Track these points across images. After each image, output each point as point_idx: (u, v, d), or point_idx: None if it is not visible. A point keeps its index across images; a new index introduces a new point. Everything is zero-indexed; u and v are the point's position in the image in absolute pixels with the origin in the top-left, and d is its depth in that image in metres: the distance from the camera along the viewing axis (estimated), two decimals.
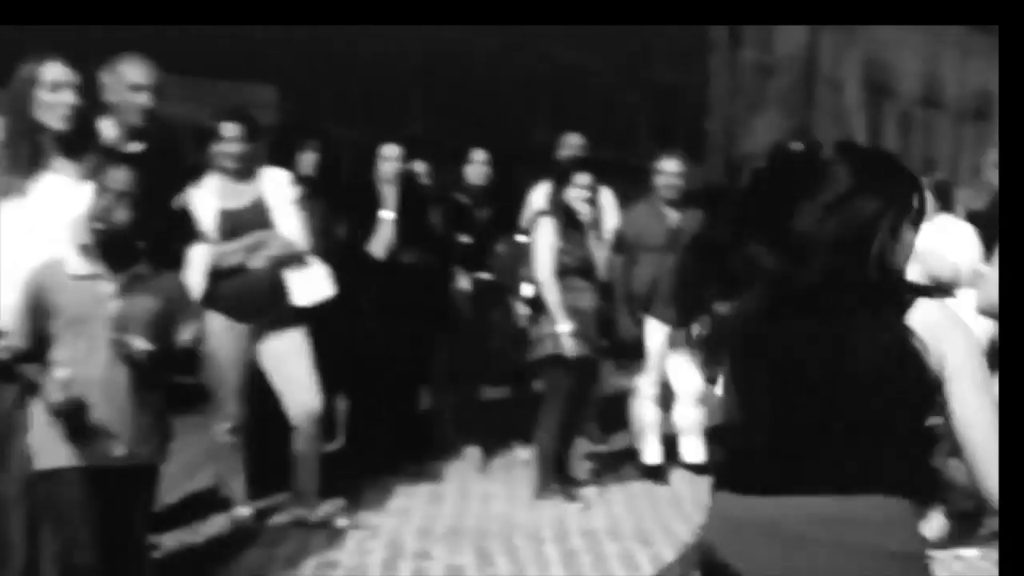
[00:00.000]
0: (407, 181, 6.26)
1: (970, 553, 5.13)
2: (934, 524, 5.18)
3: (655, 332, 6.27)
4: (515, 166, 7.20)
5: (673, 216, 6.33)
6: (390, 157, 6.10)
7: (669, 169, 6.36)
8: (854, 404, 1.94)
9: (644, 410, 6.37)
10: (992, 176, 6.63)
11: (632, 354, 6.42)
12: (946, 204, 5.70)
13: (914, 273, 2.55)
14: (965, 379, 1.88)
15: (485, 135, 7.49)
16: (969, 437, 1.89)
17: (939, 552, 5.05)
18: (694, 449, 6.46)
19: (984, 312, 5.26)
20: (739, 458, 2.13)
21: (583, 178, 5.86)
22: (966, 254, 5.47)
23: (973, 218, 6.95)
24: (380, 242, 6.03)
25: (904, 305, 1.92)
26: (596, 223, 6.03)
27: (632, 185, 6.86)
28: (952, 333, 1.89)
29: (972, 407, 1.88)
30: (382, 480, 5.96)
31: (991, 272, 5.22)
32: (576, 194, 5.83)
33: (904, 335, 1.89)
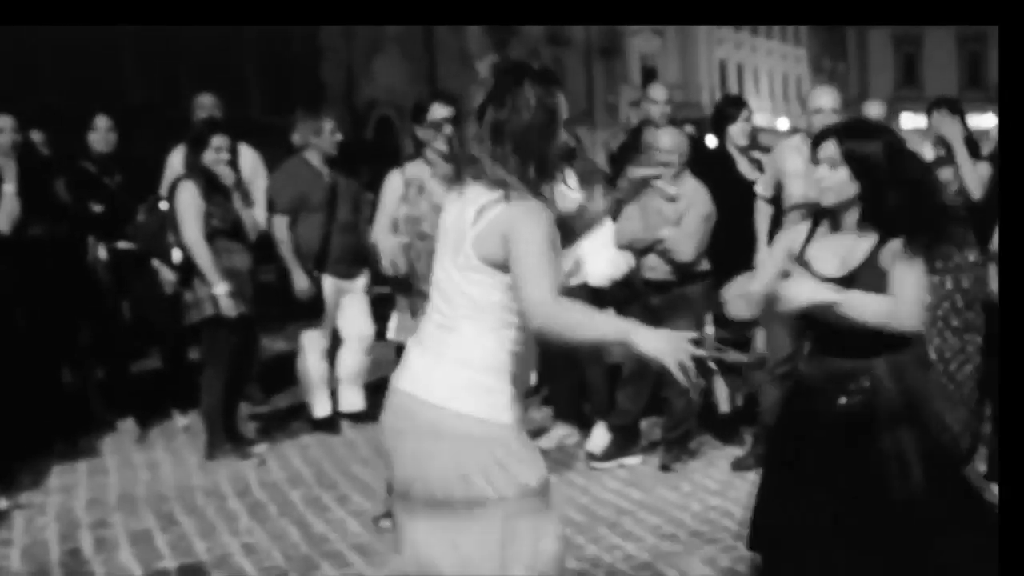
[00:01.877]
0: (25, 152, 6.49)
1: (632, 460, 6.09)
2: (597, 439, 6.13)
3: (328, 287, 6.85)
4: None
5: (328, 173, 6.91)
6: (4, 128, 6.31)
7: (326, 127, 6.93)
8: None
9: (313, 364, 6.93)
10: (631, 115, 7.65)
11: (311, 313, 6.92)
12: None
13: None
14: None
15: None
16: None
17: (605, 463, 6.00)
18: (352, 398, 7.10)
19: (623, 247, 6.23)
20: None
21: (219, 139, 6.30)
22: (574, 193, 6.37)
23: (611, 159, 8.00)
24: (4, 216, 6.23)
25: None
26: (240, 183, 6.48)
27: (250, 143, 7.27)
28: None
29: None
30: (35, 461, 6.17)
31: (630, 210, 6.18)
32: (213, 157, 6.27)
33: None
